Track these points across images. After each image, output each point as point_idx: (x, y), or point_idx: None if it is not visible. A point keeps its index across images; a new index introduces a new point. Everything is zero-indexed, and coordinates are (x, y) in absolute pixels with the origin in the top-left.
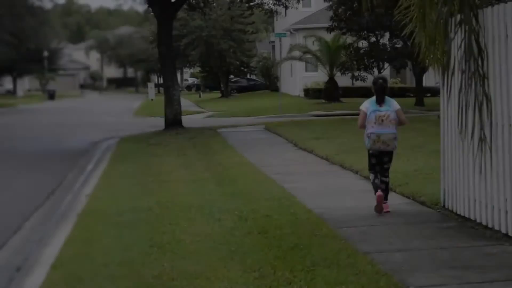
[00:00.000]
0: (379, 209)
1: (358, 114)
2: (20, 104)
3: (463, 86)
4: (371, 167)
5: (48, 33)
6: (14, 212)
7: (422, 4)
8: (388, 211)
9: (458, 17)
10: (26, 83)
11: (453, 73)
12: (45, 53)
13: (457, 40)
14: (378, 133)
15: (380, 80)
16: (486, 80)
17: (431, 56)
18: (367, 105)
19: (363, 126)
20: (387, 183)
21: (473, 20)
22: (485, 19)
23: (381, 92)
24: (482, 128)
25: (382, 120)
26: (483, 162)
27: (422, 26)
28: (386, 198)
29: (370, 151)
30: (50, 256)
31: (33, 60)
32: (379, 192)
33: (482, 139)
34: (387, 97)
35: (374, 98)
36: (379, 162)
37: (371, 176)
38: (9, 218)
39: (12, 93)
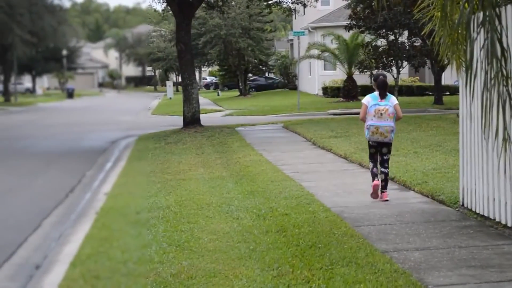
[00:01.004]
0: (374, 196)
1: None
2: (39, 103)
3: (486, 86)
4: (371, 157)
5: (67, 32)
6: (33, 210)
7: (443, 3)
8: (387, 200)
9: (481, 16)
10: (45, 82)
11: (475, 73)
12: (64, 52)
13: (480, 40)
14: (377, 125)
15: (381, 77)
16: (509, 80)
17: (453, 55)
18: (369, 99)
19: (364, 119)
20: (386, 174)
21: (495, 19)
22: (508, 18)
23: (382, 87)
24: (505, 128)
25: (381, 114)
26: (508, 161)
27: (443, 26)
28: (385, 187)
29: (370, 142)
30: (69, 254)
31: (52, 58)
32: (376, 182)
33: (505, 139)
34: (387, 93)
35: (375, 93)
36: (379, 153)
37: (370, 165)
38: (29, 215)
39: (31, 91)
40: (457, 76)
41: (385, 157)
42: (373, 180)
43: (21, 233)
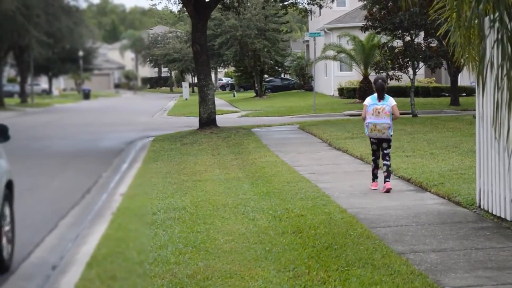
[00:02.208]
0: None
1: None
2: (56, 104)
3: (498, 86)
4: (373, 154)
5: (84, 33)
6: (50, 210)
7: (457, 3)
8: (390, 188)
9: (493, 16)
10: (61, 83)
11: (487, 73)
12: (80, 53)
13: (492, 39)
14: (375, 123)
15: (380, 80)
16: None
17: (467, 55)
18: (369, 100)
19: (365, 118)
20: (388, 166)
21: (507, 19)
22: None
23: (381, 90)
24: None
25: (379, 112)
26: None
27: (457, 26)
28: (388, 177)
29: (371, 139)
30: (86, 255)
31: (68, 59)
32: (375, 185)
33: None
34: (386, 95)
35: (375, 94)
36: (380, 148)
37: (372, 165)
38: (46, 216)
39: (47, 92)
40: (473, 77)
41: (385, 151)
42: (373, 181)
43: (38, 233)
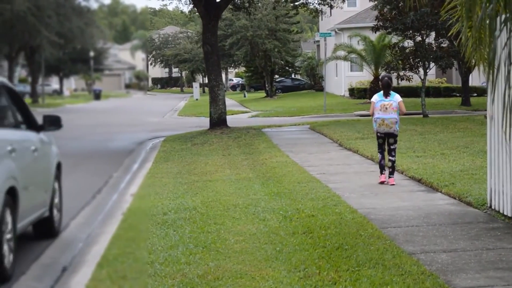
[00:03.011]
0: (381, 182)
1: (403, 114)
2: (67, 104)
3: (508, 84)
4: (379, 147)
5: (94, 34)
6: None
7: (468, 3)
8: (393, 184)
9: (504, 15)
10: (72, 83)
11: (498, 73)
12: (91, 53)
13: (503, 39)
14: (383, 118)
15: (386, 78)
16: None
17: (478, 55)
18: (376, 97)
19: (373, 114)
20: (393, 161)
21: None
22: None
23: (386, 87)
24: None
25: (386, 108)
26: None
27: (468, 26)
28: (392, 173)
29: (378, 134)
30: (96, 255)
31: (79, 60)
32: (383, 177)
33: None
34: (391, 91)
35: (381, 92)
36: (387, 143)
37: (379, 157)
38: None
39: (58, 93)
40: (479, 77)
41: (392, 147)
42: (381, 173)
43: None
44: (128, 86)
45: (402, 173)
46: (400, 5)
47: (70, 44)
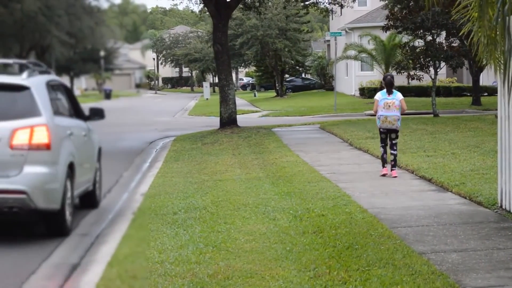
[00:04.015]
0: (383, 175)
1: (413, 114)
2: None
3: None
4: (381, 141)
5: (105, 33)
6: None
7: (480, 3)
8: (395, 176)
9: None
10: (82, 83)
11: (510, 73)
12: (102, 53)
13: None
14: (386, 115)
15: (389, 77)
16: None
17: (490, 56)
18: (379, 95)
19: (376, 111)
20: (395, 155)
21: None
22: None
23: (389, 85)
24: None
25: (389, 106)
26: None
27: (480, 26)
28: (394, 166)
29: (381, 129)
30: (106, 254)
31: (90, 59)
32: (385, 171)
33: None
34: (394, 90)
35: (384, 90)
36: (389, 138)
37: (381, 151)
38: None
39: None
40: (495, 77)
41: (393, 141)
42: (383, 166)
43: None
44: (138, 86)
45: (412, 172)
46: (410, 4)
47: (80, 44)
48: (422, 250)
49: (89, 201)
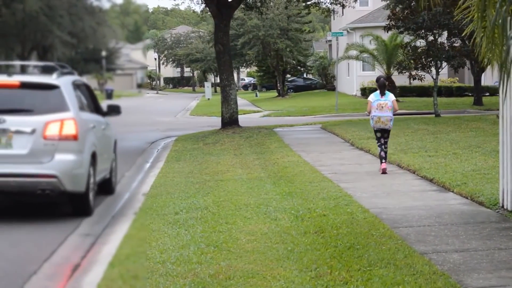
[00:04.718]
0: (382, 172)
1: (415, 114)
2: None
3: None
4: (378, 140)
5: (107, 33)
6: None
7: (481, 4)
8: (385, 168)
9: None
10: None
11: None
12: (104, 53)
13: None
14: (379, 116)
15: (382, 79)
16: None
17: (491, 55)
18: (373, 96)
19: (370, 112)
20: (386, 152)
21: None
22: None
23: (382, 87)
24: None
25: (382, 107)
26: None
27: (481, 26)
28: (385, 159)
29: (375, 129)
30: (108, 254)
31: (91, 59)
32: (384, 166)
33: None
34: (386, 91)
35: (377, 91)
36: (382, 137)
37: (378, 149)
38: (68, 215)
39: None
40: (492, 76)
41: (385, 140)
42: (381, 162)
43: (61, 233)
44: (140, 86)
45: (414, 172)
46: (412, 4)
47: (82, 44)
48: (423, 250)
49: (105, 187)
